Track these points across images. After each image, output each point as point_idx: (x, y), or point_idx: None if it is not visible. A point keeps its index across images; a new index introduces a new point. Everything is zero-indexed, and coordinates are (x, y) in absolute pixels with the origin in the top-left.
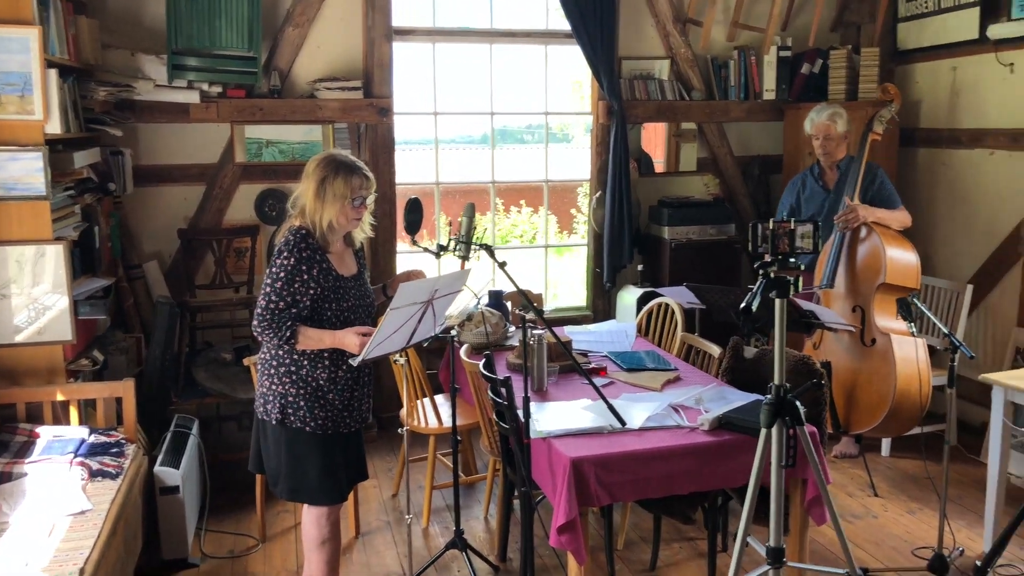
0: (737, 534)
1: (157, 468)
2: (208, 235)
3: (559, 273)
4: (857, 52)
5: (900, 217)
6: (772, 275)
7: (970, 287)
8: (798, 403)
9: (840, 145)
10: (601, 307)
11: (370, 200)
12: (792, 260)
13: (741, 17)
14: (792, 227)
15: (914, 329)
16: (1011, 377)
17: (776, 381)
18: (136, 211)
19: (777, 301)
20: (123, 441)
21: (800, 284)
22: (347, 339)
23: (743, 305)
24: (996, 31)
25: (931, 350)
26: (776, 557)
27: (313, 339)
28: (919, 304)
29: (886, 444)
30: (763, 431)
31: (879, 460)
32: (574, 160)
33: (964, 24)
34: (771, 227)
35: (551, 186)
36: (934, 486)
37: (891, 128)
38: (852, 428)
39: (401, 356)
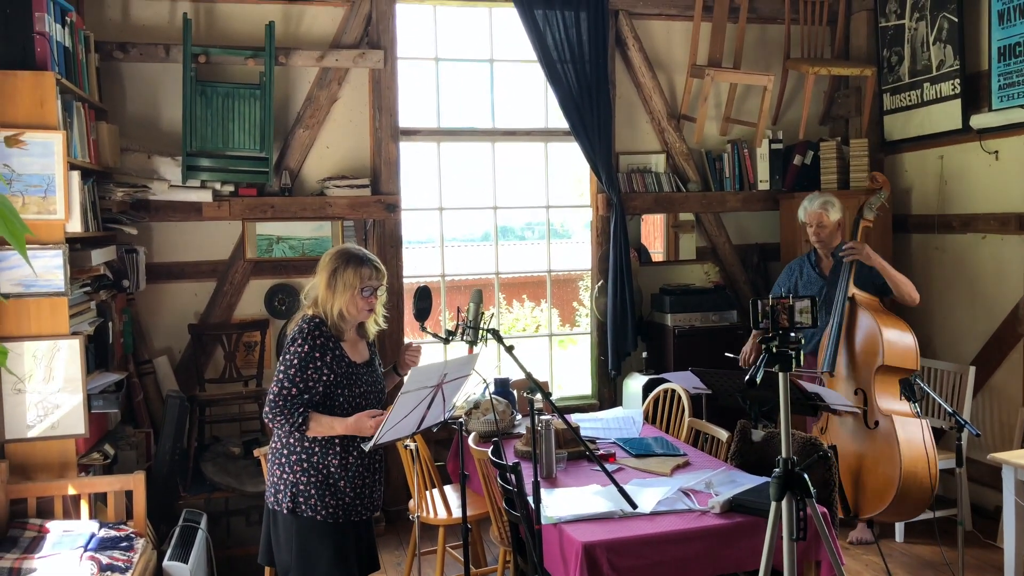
0: None
1: (166, 563)
2: (218, 330)
3: (562, 366)
4: (846, 143)
5: (907, 282)
6: (774, 349)
7: (972, 368)
8: (806, 476)
9: (834, 233)
10: (607, 395)
11: (381, 291)
12: (792, 335)
13: (732, 113)
14: (791, 303)
15: (918, 409)
16: (1019, 456)
17: (783, 454)
18: (148, 307)
19: (780, 375)
20: (133, 535)
21: (802, 360)
22: (361, 423)
23: (747, 377)
24: (979, 121)
25: (937, 432)
26: None
27: (325, 426)
28: (921, 384)
29: (900, 530)
30: (773, 505)
31: (894, 546)
32: (574, 254)
33: (948, 115)
34: (771, 303)
35: (554, 278)
36: (951, 571)
37: (882, 215)
38: (862, 513)
39: (411, 441)
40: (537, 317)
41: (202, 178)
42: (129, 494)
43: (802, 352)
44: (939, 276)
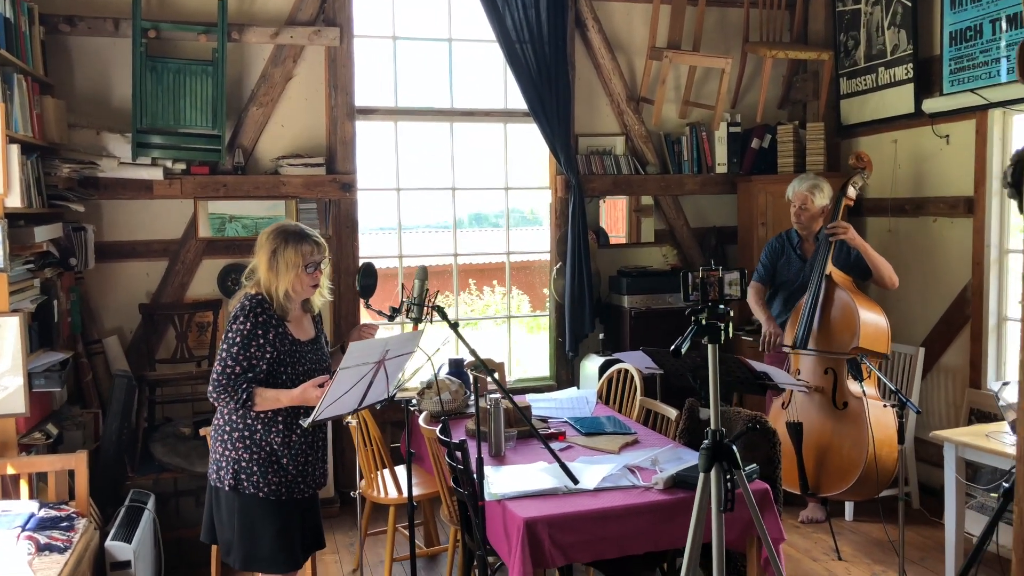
0: None
1: (108, 543)
2: (170, 310)
3: (528, 349)
4: (803, 127)
5: (888, 265)
6: (703, 321)
7: (922, 350)
8: (734, 448)
9: (816, 219)
10: (565, 376)
11: (324, 265)
12: (722, 307)
13: (691, 96)
14: (720, 275)
15: (864, 389)
16: (961, 434)
17: (712, 426)
18: (97, 286)
19: (709, 347)
20: (74, 515)
21: (731, 330)
22: (307, 394)
23: (672, 347)
24: (930, 105)
25: None
26: None
27: (270, 400)
28: (868, 364)
29: (849, 508)
30: (700, 476)
31: (843, 524)
32: (543, 240)
33: (901, 99)
34: (701, 275)
35: (521, 265)
36: (895, 549)
37: (861, 194)
38: (821, 491)
39: (353, 418)
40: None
41: (153, 155)
42: (71, 474)
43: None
44: (891, 259)
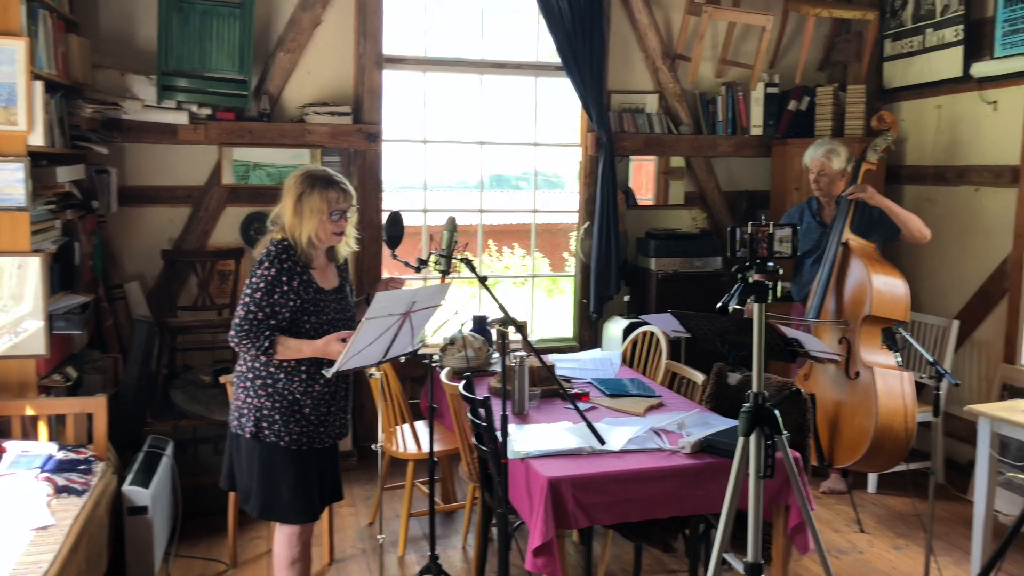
0: (713, 549)
1: (126, 487)
2: (192, 257)
3: (548, 312)
4: (843, 90)
5: (914, 218)
6: (750, 279)
7: (956, 322)
8: (777, 413)
9: (836, 182)
10: (587, 338)
11: (350, 213)
12: (770, 264)
13: (729, 54)
14: (771, 231)
15: (899, 359)
16: (996, 409)
17: (754, 389)
18: (120, 231)
19: (755, 306)
20: (92, 458)
21: (780, 291)
22: (329, 347)
23: (719, 305)
24: (979, 69)
25: (920, 386)
26: (754, 573)
27: (292, 349)
28: (904, 334)
29: (872, 480)
30: (740, 441)
31: (866, 497)
32: (566, 204)
33: (948, 63)
34: (749, 231)
35: (544, 228)
36: (921, 522)
37: (884, 158)
38: (836, 462)
39: (377, 370)
40: (528, 266)
41: (178, 99)
42: (90, 417)
43: (773, 296)
44: (929, 228)
